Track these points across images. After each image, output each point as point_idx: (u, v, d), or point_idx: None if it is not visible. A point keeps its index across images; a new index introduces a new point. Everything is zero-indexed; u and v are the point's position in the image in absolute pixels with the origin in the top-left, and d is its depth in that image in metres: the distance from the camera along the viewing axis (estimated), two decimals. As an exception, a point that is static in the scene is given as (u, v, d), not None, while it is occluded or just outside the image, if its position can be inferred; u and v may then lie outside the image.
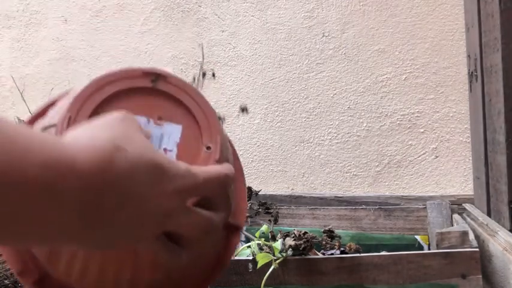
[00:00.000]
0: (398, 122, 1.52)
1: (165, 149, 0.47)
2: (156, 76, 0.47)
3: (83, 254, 0.45)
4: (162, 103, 0.48)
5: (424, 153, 1.50)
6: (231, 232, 0.55)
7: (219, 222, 0.46)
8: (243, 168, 0.61)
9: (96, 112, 0.45)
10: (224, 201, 0.46)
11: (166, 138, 0.47)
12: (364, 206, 1.30)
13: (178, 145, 0.47)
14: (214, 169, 0.44)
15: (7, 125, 0.32)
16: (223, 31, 1.65)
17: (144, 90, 0.48)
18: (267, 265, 0.87)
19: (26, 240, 0.35)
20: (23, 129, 0.33)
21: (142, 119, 0.46)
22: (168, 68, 0.50)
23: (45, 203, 0.32)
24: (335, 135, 1.56)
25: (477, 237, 1.02)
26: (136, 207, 0.37)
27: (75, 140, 0.35)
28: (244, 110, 1.10)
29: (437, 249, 0.91)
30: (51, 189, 0.32)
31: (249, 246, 0.94)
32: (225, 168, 0.45)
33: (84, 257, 0.46)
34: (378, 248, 1.19)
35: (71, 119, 0.44)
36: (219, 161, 0.48)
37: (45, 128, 0.47)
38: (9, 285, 0.89)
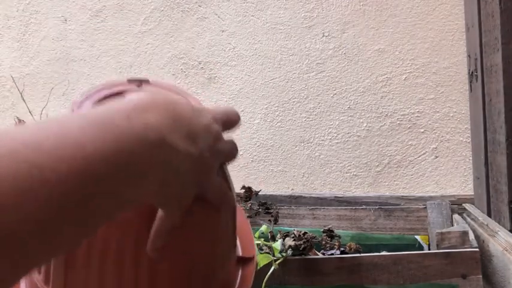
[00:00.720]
0: (398, 122, 1.52)
1: None
2: (140, 81, 0.49)
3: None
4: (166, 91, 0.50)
5: (424, 153, 1.50)
6: (244, 264, 0.55)
7: (233, 197, 0.48)
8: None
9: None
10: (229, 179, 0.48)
11: None
12: (364, 206, 1.30)
13: None
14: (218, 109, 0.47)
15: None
16: (223, 31, 1.65)
17: (134, 92, 0.49)
18: (267, 265, 0.87)
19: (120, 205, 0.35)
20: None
21: None
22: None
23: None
24: (335, 135, 1.56)
25: (477, 237, 1.02)
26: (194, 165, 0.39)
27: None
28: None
29: (438, 249, 0.91)
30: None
31: (249, 247, 0.94)
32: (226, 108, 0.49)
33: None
34: (378, 248, 1.19)
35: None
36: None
37: None
38: None
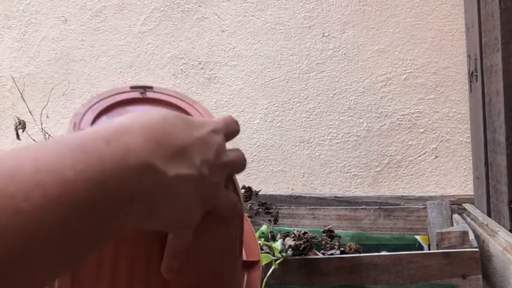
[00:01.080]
0: (398, 122, 1.52)
1: None
2: (144, 88, 0.49)
3: None
4: (158, 108, 0.49)
5: (424, 153, 1.50)
6: (249, 268, 0.55)
7: (242, 208, 0.46)
8: None
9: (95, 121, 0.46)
10: (237, 187, 0.47)
11: None
12: (364, 206, 1.30)
13: None
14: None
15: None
16: (223, 31, 1.65)
17: (137, 100, 0.48)
18: (267, 265, 0.87)
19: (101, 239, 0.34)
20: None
21: None
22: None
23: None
24: (335, 135, 1.56)
25: (477, 237, 1.02)
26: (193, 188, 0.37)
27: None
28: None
29: (438, 249, 0.91)
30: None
31: (249, 246, 0.94)
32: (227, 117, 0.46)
33: None
34: (378, 248, 1.19)
35: (76, 125, 0.45)
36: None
37: None
38: None
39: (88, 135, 0.33)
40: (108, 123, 0.37)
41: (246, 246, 0.55)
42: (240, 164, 0.44)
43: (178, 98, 0.50)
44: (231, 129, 0.45)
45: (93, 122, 0.45)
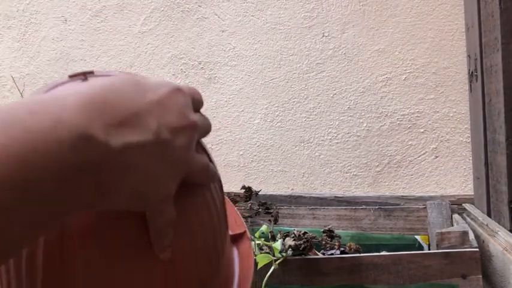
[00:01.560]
0: (398, 122, 1.52)
1: None
2: (84, 75, 0.41)
3: None
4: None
5: (424, 153, 1.50)
6: (237, 241, 0.52)
7: (216, 170, 0.42)
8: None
9: None
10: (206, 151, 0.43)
11: None
12: (364, 206, 1.30)
13: None
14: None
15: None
16: (223, 31, 1.65)
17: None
18: (267, 265, 0.87)
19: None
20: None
21: None
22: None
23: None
24: (335, 135, 1.56)
25: (477, 237, 1.02)
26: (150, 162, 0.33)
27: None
28: None
29: (438, 249, 0.91)
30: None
31: (249, 246, 0.94)
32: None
33: None
34: (378, 248, 1.19)
35: None
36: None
37: None
38: None
39: (9, 106, 0.29)
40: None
41: (230, 220, 0.50)
42: (206, 125, 0.40)
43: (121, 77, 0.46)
44: (196, 97, 0.39)
45: None
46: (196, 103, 0.39)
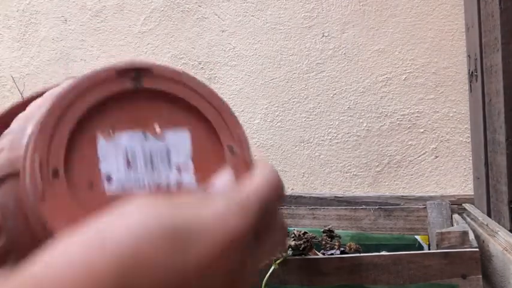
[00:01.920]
0: (398, 122, 1.52)
1: (178, 168, 0.35)
2: (137, 72, 0.35)
3: None
4: (156, 105, 0.36)
5: (424, 153, 1.50)
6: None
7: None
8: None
9: (72, 144, 0.32)
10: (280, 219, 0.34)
11: (175, 152, 0.35)
12: (364, 206, 1.30)
13: (192, 157, 0.35)
14: (257, 184, 0.29)
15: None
16: (223, 31, 1.65)
17: (127, 94, 0.35)
18: (267, 265, 0.87)
19: None
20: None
21: (136, 135, 0.34)
22: (150, 60, 0.35)
23: None
24: (335, 135, 1.56)
25: (477, 237, 1.02)
26: None
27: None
28: None
29: (437, 249, 0.91)
30: None
31: (249, 246, 0.93)
32: (268, 172, 0.31)
33: None
34: (378, 248, 1.19)
35: (42, 165, 0.31)
36: (250, 163, 0.36)
37: None
38: None
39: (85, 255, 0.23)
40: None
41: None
42: (279, 244, 0.31)
43: (180, 83, 0.37)
44: (273, 197, 0.29)
45: (69, 144, 0.32)
46: (275, 197, 0.29)
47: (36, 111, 0.35)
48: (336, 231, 1.06)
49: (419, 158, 1.51)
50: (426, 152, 1.50)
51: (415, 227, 1.24)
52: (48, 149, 0.31)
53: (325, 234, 1.04)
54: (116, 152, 0.33)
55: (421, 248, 1.20)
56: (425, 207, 1.24)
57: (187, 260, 0.23)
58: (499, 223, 1.06)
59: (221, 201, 0.27)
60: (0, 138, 0.36)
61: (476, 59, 1.23)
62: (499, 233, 0.97)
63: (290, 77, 1.60)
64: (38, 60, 1.80)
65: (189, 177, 0.35)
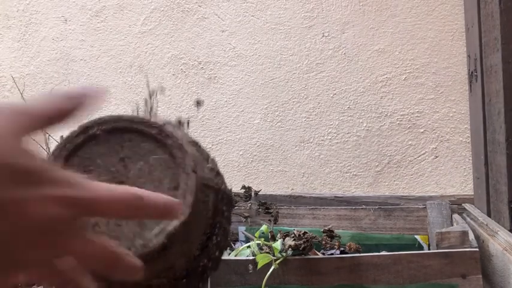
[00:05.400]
0: (398, 122, 1.52)
1: None
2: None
3: None
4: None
5: (424, 153, 1.50)
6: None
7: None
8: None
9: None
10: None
11: None
12: (364, 206, 1.30)
13: None
14: (121, 189, 0.34)
15: None
16: (223, 31, 1.65)
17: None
18: (267, 265, 0.87)
19: None
20: None
21: None
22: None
23: None
24: (335, 135, 1.56)
25: (477, 237, 1.02)
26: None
27: None
28: (199, 103, 1.27)
29: (437, 249, 0.91)
30: None
31: (248, 247, 0.94)
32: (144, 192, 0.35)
33: None
34: (378, 248, 1.19)
35: None
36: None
37: None
38: None
39: None
40: None
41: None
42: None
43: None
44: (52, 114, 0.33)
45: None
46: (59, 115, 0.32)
47: None
48: (336, 231, 1.06)
49: (419, 158, 1.51)
50: (426, 152, 1.50)
51: (415, 227, 1.24)
52: None
53: (325, 234, 1.04)
54: None
55: (421, 248, 1.20)
56: (425, 207, 1.24)
57: None
58: (498, 223, 1.06)
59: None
60: None
61: (476, 59, 1.23)
62: (498, 233, 0.97)
63: (290, 77, 1.60)
64: (38, 60, 1.80)
65: None
